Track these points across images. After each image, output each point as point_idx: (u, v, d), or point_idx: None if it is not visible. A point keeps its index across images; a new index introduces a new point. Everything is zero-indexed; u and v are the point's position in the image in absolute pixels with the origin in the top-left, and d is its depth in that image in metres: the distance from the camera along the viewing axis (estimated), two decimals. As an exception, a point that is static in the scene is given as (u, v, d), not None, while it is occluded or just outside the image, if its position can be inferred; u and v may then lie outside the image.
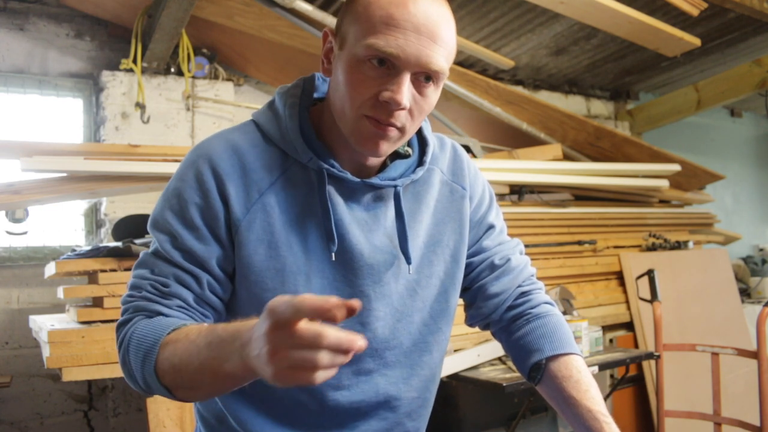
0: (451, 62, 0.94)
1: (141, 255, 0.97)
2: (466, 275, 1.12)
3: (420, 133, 1.07)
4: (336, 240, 0.95)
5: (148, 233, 2.52)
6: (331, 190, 0.97)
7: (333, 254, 0.96)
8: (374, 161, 1.00)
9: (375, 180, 0.99)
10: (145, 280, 0.94)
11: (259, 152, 0.97)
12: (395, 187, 1.00)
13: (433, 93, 0.93)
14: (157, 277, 0.93)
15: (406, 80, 0.88)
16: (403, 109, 0.89)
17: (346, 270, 0.98)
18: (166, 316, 0.91)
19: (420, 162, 1.04)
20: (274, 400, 0.99)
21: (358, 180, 0.97)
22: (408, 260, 1.01)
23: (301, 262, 0.96)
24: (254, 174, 0.95)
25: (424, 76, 0.90)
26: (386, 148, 0.94)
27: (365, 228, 0.99)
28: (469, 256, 1.12)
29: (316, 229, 0.96)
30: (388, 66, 0.88)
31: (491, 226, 1.15)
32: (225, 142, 0.97)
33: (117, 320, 0.96)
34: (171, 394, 0.87)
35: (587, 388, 1.02)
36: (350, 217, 0.98)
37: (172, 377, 0.84)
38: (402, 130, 0.93)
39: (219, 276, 0.95)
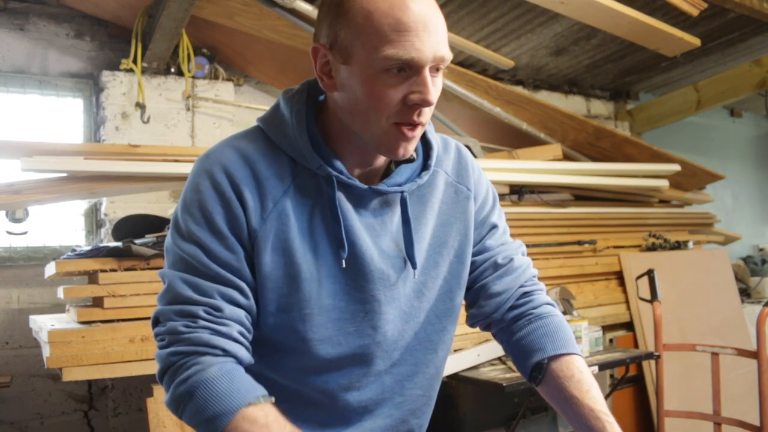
0: None
1: (169, 274, 0.95)
2: (468, 274, 1.13)
3: (424, 137, 1.07)
4: (346, 247, 0.97)
5: (148, 233, 2.53)
6: (340, 196, 0.97)
7: (344, 261, 0.97)
8: (382, 164, 1.02)
9: (382, 186, 0.99)
10: (195, 305, 0.92)
11: (270, 161, 0.97)
12: (402, 192, 1.01)
13: (440, 79, 0.95)
14: (205, 299, 0.92)
15: (428, 77, 0.90)
16: (432, 105, 0.92)
17: (357, 275, 0.99)
18: (229, 352, 0.91)
19: (425, 166, 1.05)
20: (285, 399, 1.00)
21: (366, 187, 0.98)
22: (414, 265, 1.02)
23: (313, 268, 0.97)
24: (267, 183, 0.96)
25: (436, 68, 0.92)
26: (412, 149, 0.96)
27: (373, 233, 1.00)
28: (472, 256, 1.12)
29: (327, 235, 0.97)
30: (407, 68, 0.89)
31: (494, 226, 1.15)
32: (236, 151, 0.97)
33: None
34: None
35: (589, 388, 1.03)
36: (359, 223, 0.99)
37: None
38: (424, 125, 0.96)
39: (251, 281, 0.96)
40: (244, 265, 0.95)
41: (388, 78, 0.89)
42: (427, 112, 0.93)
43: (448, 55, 0.92)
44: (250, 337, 0.96)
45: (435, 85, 0.92)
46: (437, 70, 0.92)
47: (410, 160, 1.04)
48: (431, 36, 0.88)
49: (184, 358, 0.91)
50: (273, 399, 0.91)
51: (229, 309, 0.93)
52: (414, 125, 0.93)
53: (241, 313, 0.94)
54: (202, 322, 0.91)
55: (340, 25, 0.91)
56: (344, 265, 0.97)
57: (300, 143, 0.97)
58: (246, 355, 0.94)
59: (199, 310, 0.91)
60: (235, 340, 0.93)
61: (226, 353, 0.91)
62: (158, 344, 0.94)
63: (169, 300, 0.94)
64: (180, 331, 0.91)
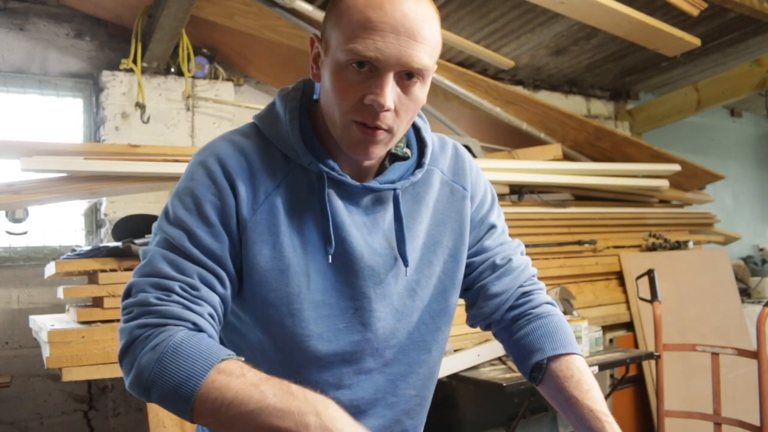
0: (436, 58, 0.94)
1: (151, 250, 0.94)
2: (467, 275, 1.13)
3: (418, 134, 1.07)
4: (333, 243, 0.97)
5: (148, 233, 2.53)
6: (331, 193, 0.98)
7: (330, 257, 0.97)
8: (369, 163, 1.01)
9: (374, 183, 0.99)
10: (171, 280, 0.90)
11: (263, 155, 0.98)
12: (394, 190, 1.01)
13: (420, 90, 0.93)
14: (184, 278, 0.91)
15: (389, 81, 0.89)
16: (387, 110, 0.90)
17: (347, 271, 0.99)
18: (200, 327, 0.90)
19: (419, 164, 1.04)
20: None
21: (358, 184, 0.98)
22: (405, 263, 1.02)
23: (302, 262, 0.97)
24: (260, 175, 0.96)
25: (407, 74, 0.90)
26: (377, 151, 0.95)
27: (364, 231, 1.00)
28: (470, 256, 1.12)
29: (316, 231, 0.98)
30: (370, 68, 0.89)
31: (493, 226, 1.15)
32: (231, 144, 0.98)
33: (119, 319, 0.94)
34: (188, 416, 0.84)
35: (589, 387, 1.02)
36: (350, 219, 0.99)
37: (211, 406, 0.82)
38: (390, 131, 0.93)
39: (232, 273, 0.95)
40: (227, 256, 0.94)
41: (349, 73, 0.89)
42: (389, 117, 0.91)
43: (421, 64, 0.89)
44: (219, 325, 0.95)
45: (409, 95, 0.91)
46: (411, 77, 0.90)
47: (404, 158, 1.04)
48: (399, 40, 0.87)
49: (151, 329, 0.87)
50: (243, 358, 0.88)
51: (204, 290, 0.92)
52: (371, 128, 0.91)
53: (215, 299, 0.93)
54: (175, 297, 0.89)
55: (328, 17, 0.94)
56: (330, 261, 0.97)
57: (292, 139, 0.97)
58: (215, 336, 0.93)
59: (175, 285, 0.90)
60: (206, 320, 0.91)
61: (197, 327, 0.89)
62: (124, 317, 0.90)
63: (146, 273, 0.92)
64: (151, 302, 0.88)
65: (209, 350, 0.86)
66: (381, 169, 1.03)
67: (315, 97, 1.04)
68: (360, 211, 1.00)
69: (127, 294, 0.93)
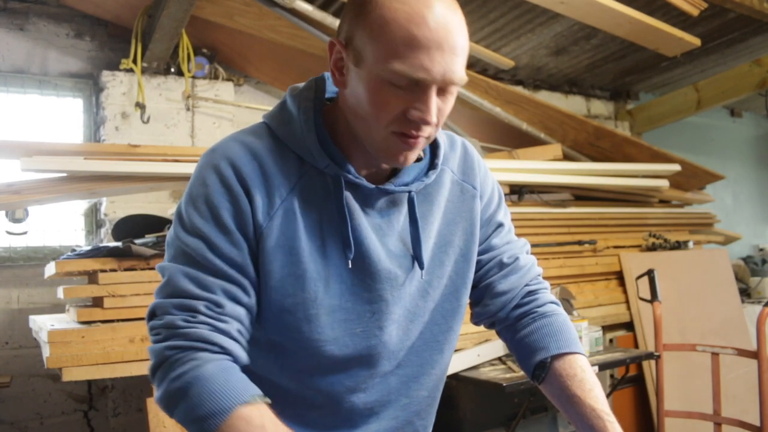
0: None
1: (169, 267, 0.92)
2: (474, 273, 1.12)
3: None
4: (353, 247, 0.96)
5: (148, 233, 2.53)
6: (347, 196, 0.97)
7: (350, 261, 0.96)
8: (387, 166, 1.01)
9: (390, 186, 0.98)
10: (196, 300, 0.90)
11: (277, 158, 0.96)
12: (409, 192, 1.00)
13: (453, 96, 0.93)
14: (207, 294, 0.90)
15: (433, 97, 0.88)
16: (430, 124, 0.90)
17: (364, 275, 0.98)
18: (228, 350, 0.90)
19: (432, 165, 1.03)
20: (286, 403, 0.99)
21: (374, 186, 0.97)
22: (421, 266, 1.01)
23: (320, 267, 0.96)
24: (275, 179, 0.94)
25: (445, 88, 0.90)
26: (413, 157, 0.95)
27: (380, 233, 0.99)
28: (477, 254, 1.12)
29: (334, 235, 0.96)
30: (413, 85, 0.87)
31: (500, 225, 1.15)
32: (243, 146, 0.95)
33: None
34: None
35: (591, 387, 1.03)
36: (366, 222, 0.98)
37: None
38: (428, 138, 0.94)
39: (254, 278, 0.94)
40: (248, 262, 0.93)
41: (392, 89, 0.88)
42: (429, 128, 0.91)
43: (460, 79, 0.89)
44: (248, 336, 0.95)
45: (445, 102, 0.91)
46: (447, 90, 0.90)
47: (417, 159, 1.03)
48: (444, 56, 0.86)
49: (180, 352, 0.88)
50: (268, 400, 0.90)
51: (230, 306, 0.91)
52: (413, 137, 0.91)
53: (241, 312, 0.93)
54: (201, 317, 0.89)
55: (357, 26, 0.89)
56: (350, 266, 0.96)
57: (308, 141, 0.95)
58: (243, 355, 0.93)
59: (200, 305, 0.89)
60: (234, 339, 0.91)
61: (224, 351, 0.90)
62: (153, 338, 0.91)
63: (168, 293, 0.91)
64: (178, 325, 0.89)
65: (234, 390, 0.86)
66: (394, 171, 1.02)
67: (327, 95, 1.02)
68: (375, 213, 0.99)
69: (152, 315, 0.93)
